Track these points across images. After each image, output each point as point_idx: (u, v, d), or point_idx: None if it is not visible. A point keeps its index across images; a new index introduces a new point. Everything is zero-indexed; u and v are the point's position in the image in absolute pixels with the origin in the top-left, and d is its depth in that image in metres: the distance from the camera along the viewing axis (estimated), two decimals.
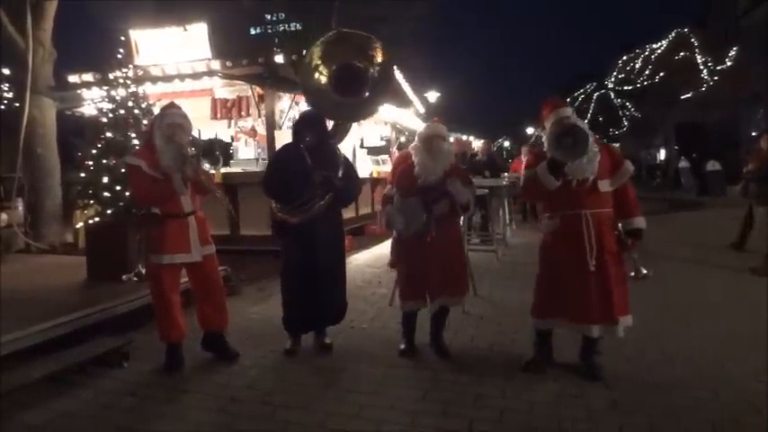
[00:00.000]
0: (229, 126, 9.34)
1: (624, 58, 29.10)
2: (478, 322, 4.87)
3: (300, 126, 4.17)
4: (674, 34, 25.36)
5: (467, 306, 5.04)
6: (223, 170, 8.48)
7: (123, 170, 5.49)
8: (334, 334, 4.39)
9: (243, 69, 7.85)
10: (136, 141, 5.65)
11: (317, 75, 3.95)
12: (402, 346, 4.08)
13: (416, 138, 4.17)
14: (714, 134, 26.97)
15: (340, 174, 4.05)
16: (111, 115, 5.72)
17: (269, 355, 4.12)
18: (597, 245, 3.46)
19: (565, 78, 55.02)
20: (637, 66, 27.64)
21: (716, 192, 18.75)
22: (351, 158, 10.05)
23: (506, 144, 53.49)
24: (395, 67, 4.31)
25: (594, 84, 34.62)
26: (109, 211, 5.46)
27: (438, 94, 22.00)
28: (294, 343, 4.21)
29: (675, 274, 6.64)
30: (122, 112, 5.73)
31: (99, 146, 5.62)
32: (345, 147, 10.15)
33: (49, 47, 8.15)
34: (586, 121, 33.91)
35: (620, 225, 3.62)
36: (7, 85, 7.91)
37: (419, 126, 6.36)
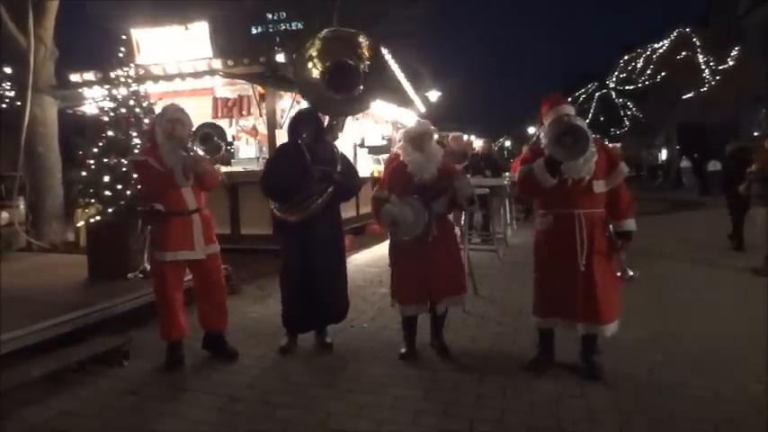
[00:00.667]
0: (230, 125, 9.35)
1: (626, 57, 29.03)
2: (479, 322, 4.86)
3: (296, 124, 4.17)
4: (675, 34, 25.28)
5: (468, 306, 5.04)
6: (224, 169, 8.47)
7: (124, 169, 5.51)
8: (335, 333, 4.40)
9: (244, 68, 7.85)
10: (137, 140, 5.66)
11: (311, 70, 3.97)
12: (403, 350, 4.05)
13: (403, 137, 4.12)
14: (716, 134, 26.91)
15: (339, 168, 4.05)
16: (112, 114, 5.72)
17: (269, 355, 4.13)
18: (588, 245, 3.47)
19: (566, 78, 54.98)
20: (638, 65, 27.58)
21: (717, 192, 18.70)
22: (352, 157, 10.08)
23: (507, 144, 53.42)
24: (387, 61, 4.33)
25: (596, 83, 34.58)
26: (110, 210, 5.47)
27: (439, 94, 21.97)
28: (290, 341, 4.20)
29: (677, 273, 6.64)
30: (123, 110, 5.73)
31: (100, 145, 5.62)
32: (346, 145, 10.21)
33: (50, 45, 8.16)
34: (587, 120, 34.03)
35: (610, 226, 3.63)
36: (9, 83, 7.91)
37: None
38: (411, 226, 3.78)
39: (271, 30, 23.93)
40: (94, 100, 7.85)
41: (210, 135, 4.08)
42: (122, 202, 5.45)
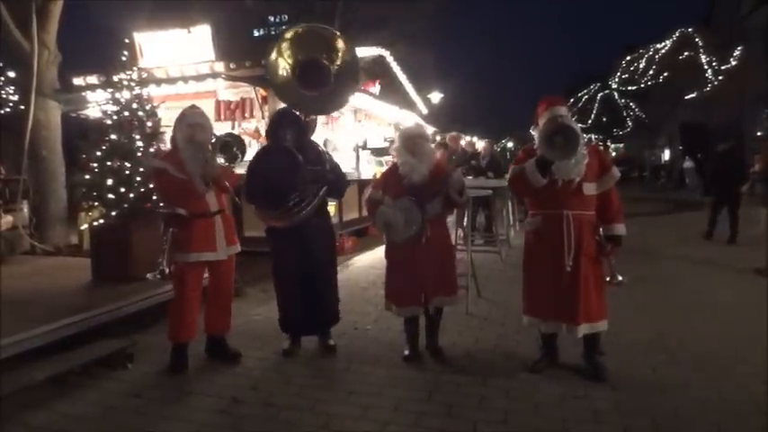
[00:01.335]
0: (233, 127, 9.35)
1: (628, 58, 28.97)
2: (482, 323, 4.86)
3: (277, 125, 4.09)
4: (677, 34, 25.22)
5: (471, 307, 5.03)
6: None
7: (127, 172, 5.53)
8: (338, 335, 4.40)
9: (246, 71, 7.87)
10: (140, 144, 5.67)
11: (281, 70, 3.96)
12: (406, 352, 4.04)
13: (397, 139, 4.16)
14: (718, 134, 26.85)
15: (327, 167, 4.04)
16: (115, 117, 5.73)
17: (272, 357, 4.13)
18: (576, 246, 3.47)
19: (569, 79, 54.88)
20: (641, 66, 27.52)
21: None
22: (354, 159, 10.07)
23: (510, 145, 53.38)
24: (359, 60, 4.32)
25: (598, 84, 34.53)
26: (113, 213, 5.48)
27: (441, 95, 21.98)
28: (292, 344, 4.20)
29: (679, 274, 6.62)
30: (127, 114, 5.75)
31: (103, 148, 5.63)
32: (347, 147, 10.20)
33: (53, 49, 8.19)
34: (590, 121, 34.10)
35: (600, 230, 3.63)
36: (12, 87, 7.95)
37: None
38: (404, 227, 3.80)
39: (272, 32, 23.98)
40: (98, 103, 7.87)
41: (231, 144, 4.04)
42: (126, 205, 5.45)
